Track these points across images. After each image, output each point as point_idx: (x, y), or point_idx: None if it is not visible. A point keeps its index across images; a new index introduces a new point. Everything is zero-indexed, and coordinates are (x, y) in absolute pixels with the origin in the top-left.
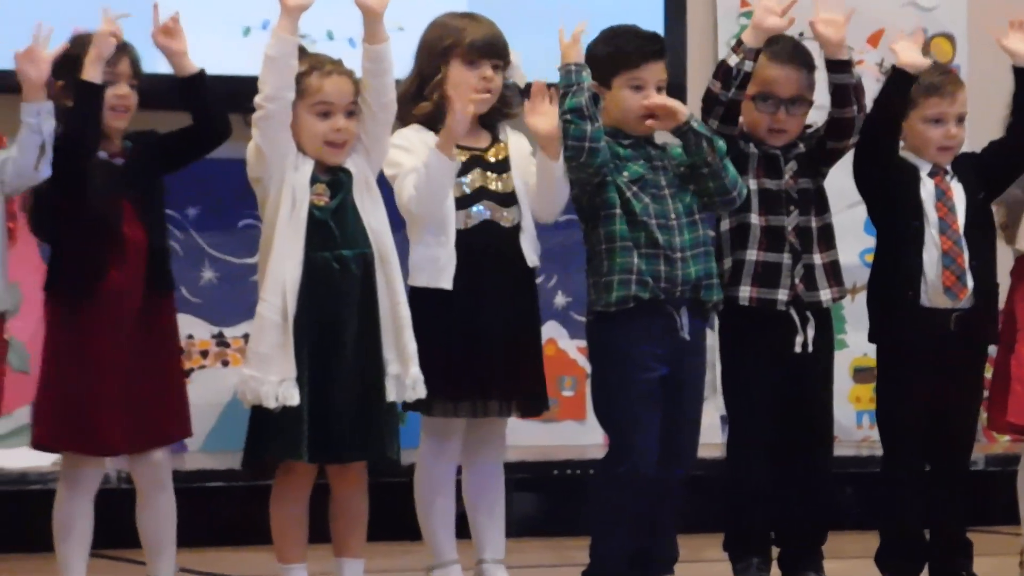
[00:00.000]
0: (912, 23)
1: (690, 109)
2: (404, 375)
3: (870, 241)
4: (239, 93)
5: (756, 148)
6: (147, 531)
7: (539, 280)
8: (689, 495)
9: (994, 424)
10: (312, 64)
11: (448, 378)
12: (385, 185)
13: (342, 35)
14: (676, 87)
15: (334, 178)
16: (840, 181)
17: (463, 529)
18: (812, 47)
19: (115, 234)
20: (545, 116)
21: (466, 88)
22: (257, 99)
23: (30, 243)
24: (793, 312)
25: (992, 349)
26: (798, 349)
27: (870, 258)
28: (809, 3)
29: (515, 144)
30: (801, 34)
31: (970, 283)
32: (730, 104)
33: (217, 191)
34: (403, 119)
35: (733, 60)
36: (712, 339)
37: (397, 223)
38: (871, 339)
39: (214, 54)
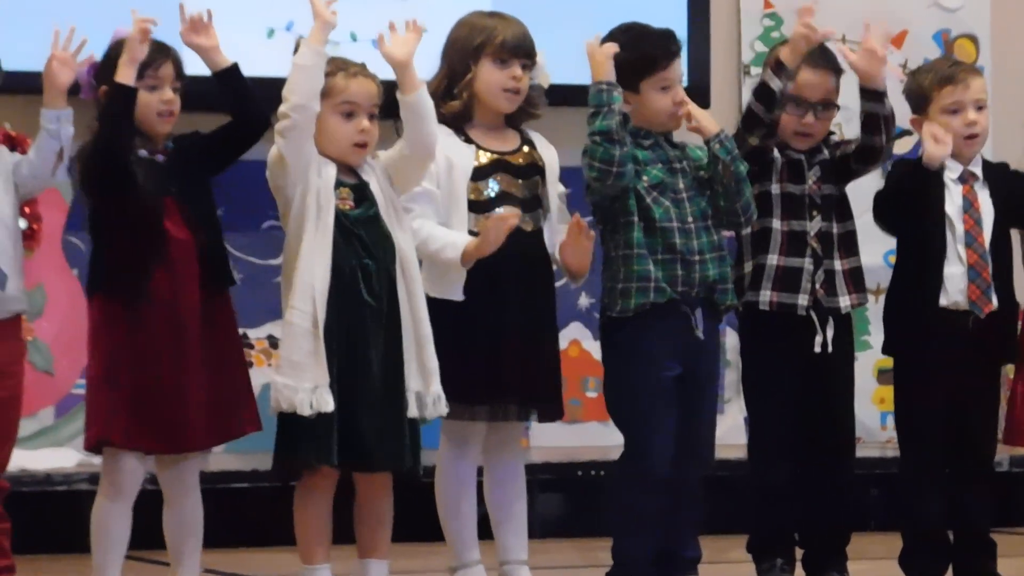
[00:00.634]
0: (936, 24)
1: (712, 108)
2: (425, 393)
3: (894, 243)
4: (263, 95)
5: (780, 154)
6: (173, 534)
7: (563, 282)
8: (713, 496)
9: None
10: (338, 65)
11: (466, 382)
12: None
13: (365, 36)
14: (700, 88)
15: (359, 183)
16: (866, 183)
17: (485, 530)
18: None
19: (158, 231)
20: (580, 252)
21: (498, 219)
22: (283, 108)
23: (54, 244)
24: (813, 314)
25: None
26: (817, 349)
27: (894, 259)
28: (835, 8)
29: (548, 158)
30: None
31: (995, 298)
32: (771, 122)
33: (241, 192)
34: None
35: (776, 84)
36: (733, 340)
37: None
38: (885, 351)
39: (238, 56)
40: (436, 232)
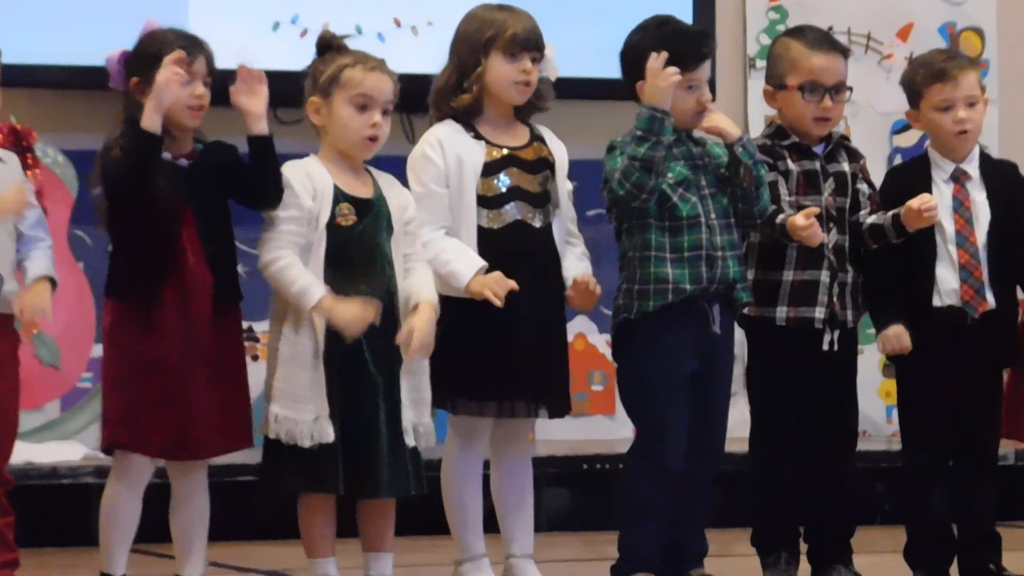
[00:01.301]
0: (942, 16)
1: (718, 101)
2: (419, 424)
3: None
4: (269, 88)
5: (795, 164)
6: (180, 530)
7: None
8: (719, 490)
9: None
10: (357, 58)
11: (474, 378)
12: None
13: (371, 29)
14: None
15: (363, 198)
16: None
17: (492, 524)
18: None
19: (174, 238)
20: (588, 301)
21: (502, 286)
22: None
23: (60, 238)
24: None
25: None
26: (825, 347)
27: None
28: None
29: (558, 153)
30: (831, 28)
31: (990, 297)
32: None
33: None
34: (440, 111)
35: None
36: (739, 334)
37: None
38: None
39: (243, 49)
40: (443, 255)
